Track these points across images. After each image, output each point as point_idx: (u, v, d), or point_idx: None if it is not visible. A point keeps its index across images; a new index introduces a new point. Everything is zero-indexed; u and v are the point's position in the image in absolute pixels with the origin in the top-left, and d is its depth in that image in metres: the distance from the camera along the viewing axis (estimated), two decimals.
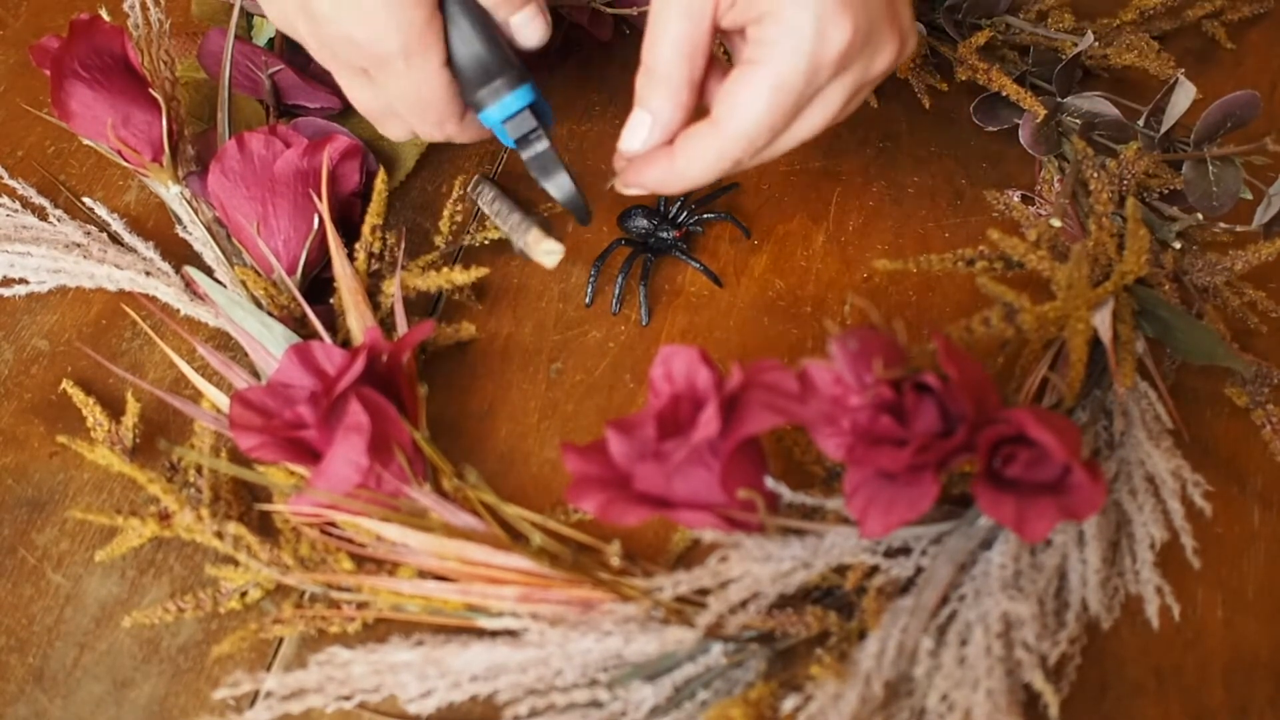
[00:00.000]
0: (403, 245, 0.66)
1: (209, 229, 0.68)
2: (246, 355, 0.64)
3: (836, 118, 0.58)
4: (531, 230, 0.65)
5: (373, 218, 0.65)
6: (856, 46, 0.55)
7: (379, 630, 0.57)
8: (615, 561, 0.56)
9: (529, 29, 0.60)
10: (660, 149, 0.59)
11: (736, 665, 0.53)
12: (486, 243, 0.68)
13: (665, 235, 0.69)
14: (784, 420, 0.51)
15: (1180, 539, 0.55)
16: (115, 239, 0.69)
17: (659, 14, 0.57)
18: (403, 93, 0.59)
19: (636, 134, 0.59)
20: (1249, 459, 0.62)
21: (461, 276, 0.64)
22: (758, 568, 0.53)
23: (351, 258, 0.65)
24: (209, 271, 0.67)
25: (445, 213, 0.67)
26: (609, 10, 0.76)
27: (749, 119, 0.56)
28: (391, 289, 0.64)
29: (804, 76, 0.55)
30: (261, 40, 0.75)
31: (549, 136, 0.60)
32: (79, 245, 0.67)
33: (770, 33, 0.55)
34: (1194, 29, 0.79)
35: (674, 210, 0.70)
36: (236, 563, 0.57)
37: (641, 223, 0.69)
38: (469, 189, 0.70)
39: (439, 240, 0.67)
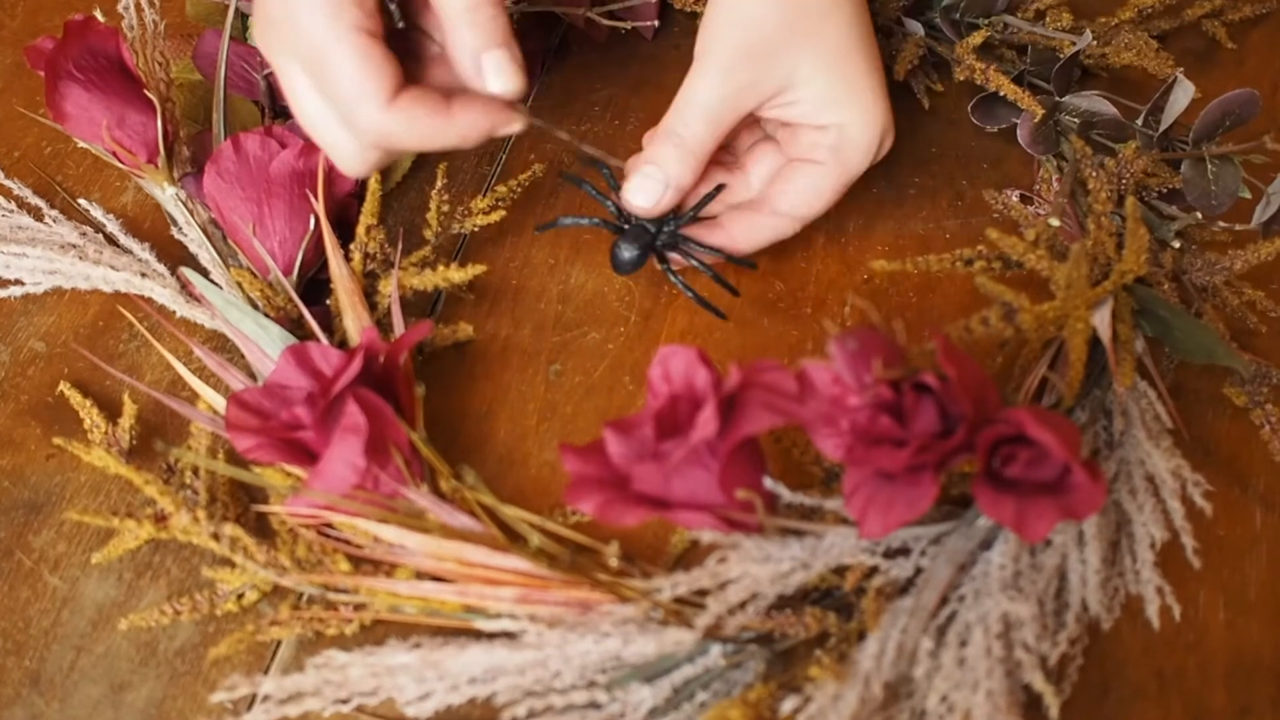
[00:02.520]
0: (400, 246, 0.66)
1: (205, 230, 0.68)
2: (243, 357, 0.64)
3: None
4: None
5: (367, 218, 0.65)
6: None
7: (376, 632, 0.57)
8: (614, 563, 0.56)
9: (500, 74, 0.54)
10: (704, 224, 0.64)
11: (735, 666, 0.54)
12: (476, 229, 0.68)
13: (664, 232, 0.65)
14: (783, 420, 0.51)
15: (1180, 539, 0.55)
16: (111, 240, 0.69)
17: (696, 80, 0.62)
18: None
19: (648, 194, 0.62)
20: (1250, 460, 0.62)
21: (459, 274, 0.64)
22: (756, 569, 0.53)
23: (348, 258, 0.65)
24: (205, 273, 0.67)
25: (432, 203, 0.67)
26: (605, 22, 0.76)
27: (810, 211, 0.64)
28: (388, 289, 0.64)
29: (858, 175, 0.64)
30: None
31: None
32: (75, 246, 0.67)
33: (839, 142, 0.62)
34: (1194, 29, 0.79)
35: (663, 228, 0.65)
36: (233, 565, 0.57)
37: (632, 254, 0.64)
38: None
39: (429, 234, 0.67)
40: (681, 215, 0.65)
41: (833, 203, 0.64)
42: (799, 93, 0.62)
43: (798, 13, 0.60)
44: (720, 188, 0.64)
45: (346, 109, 0.53)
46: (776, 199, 0.64)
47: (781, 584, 0.54)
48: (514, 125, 0.55)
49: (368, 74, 0.52)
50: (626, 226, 0.64)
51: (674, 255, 0.65)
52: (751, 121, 0.66)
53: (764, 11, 0.60)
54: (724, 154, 0.67)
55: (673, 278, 0.65)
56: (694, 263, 0.65)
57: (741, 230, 0.64)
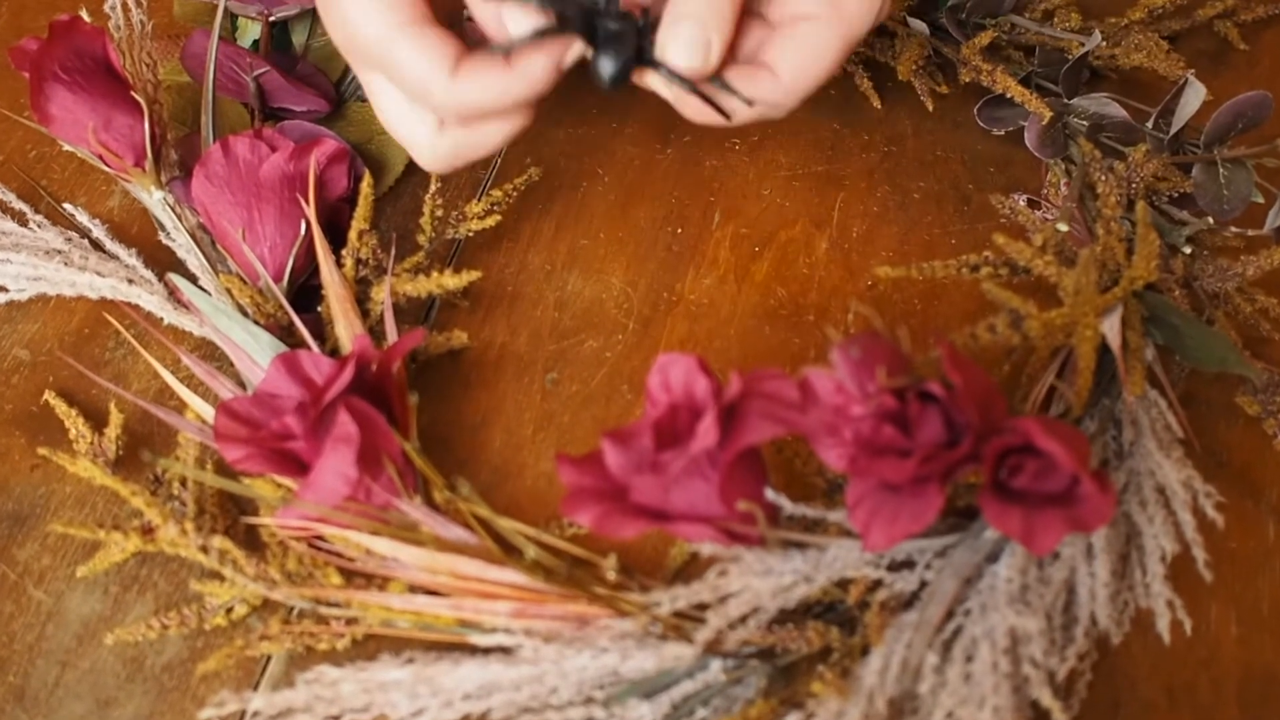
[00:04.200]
0: (393, 251, 0.66)
1: (193, 235, 0.68)
2: (232, 365, 0.64)
3: None
4: None
5: (359, 222, 0.65)
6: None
7: (368, 647, 0.57)
8: (611, 576, 0.57)
9: (522, 20, 0.54)
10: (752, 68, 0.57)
11: (736, 682, 0.54)
12: (471, 234, 0.68)
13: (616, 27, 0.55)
14: (784, 430, 0.52)
15: (1192, 552, 0.56)
16: (97, 246, 0.69)
17: None
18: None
19: (696, 48, 0.55)
20: (1263, 470, 0.62)
21: (453, 281, 0.64)
22: (758, 582, 0.53)
23: (339, 264, 0.65)
24: (193, 279, 0.67)
25: (426, 207, 0.67)
26: None
27: (811, 79, 0.57)
28: (381, 295, 0.64)
29: (861, 33, 0.58)
30: (246, 42, 0.75)
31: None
32: (60, 252, 0.68)
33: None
34: (1206, 29, 0.80)
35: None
36: (222, 578, 0.58)
37: (617, 65, 0.55)
38: None
39: (422, 239, 0.67)
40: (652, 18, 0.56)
41: (836, 68, 0.58)
42: None
43: None
44: None
45: (421, 94, 0.55)
46: (775, 64, 0.57)
47: (783, 598, 0.54)
48: (574, 48, 0.55)
49: (428, 55, 0.54)
50: (599, 35, 0.55)
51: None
52: None
53: None
54: None
55: (670, 80, 0.56)
56: (667, 75, 0.56)
57: (740, 84, 0.57)
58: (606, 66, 0.55)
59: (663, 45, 0.55)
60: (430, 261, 0.67)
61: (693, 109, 0.58)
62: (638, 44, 0.55)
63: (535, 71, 0.55)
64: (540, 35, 0.54)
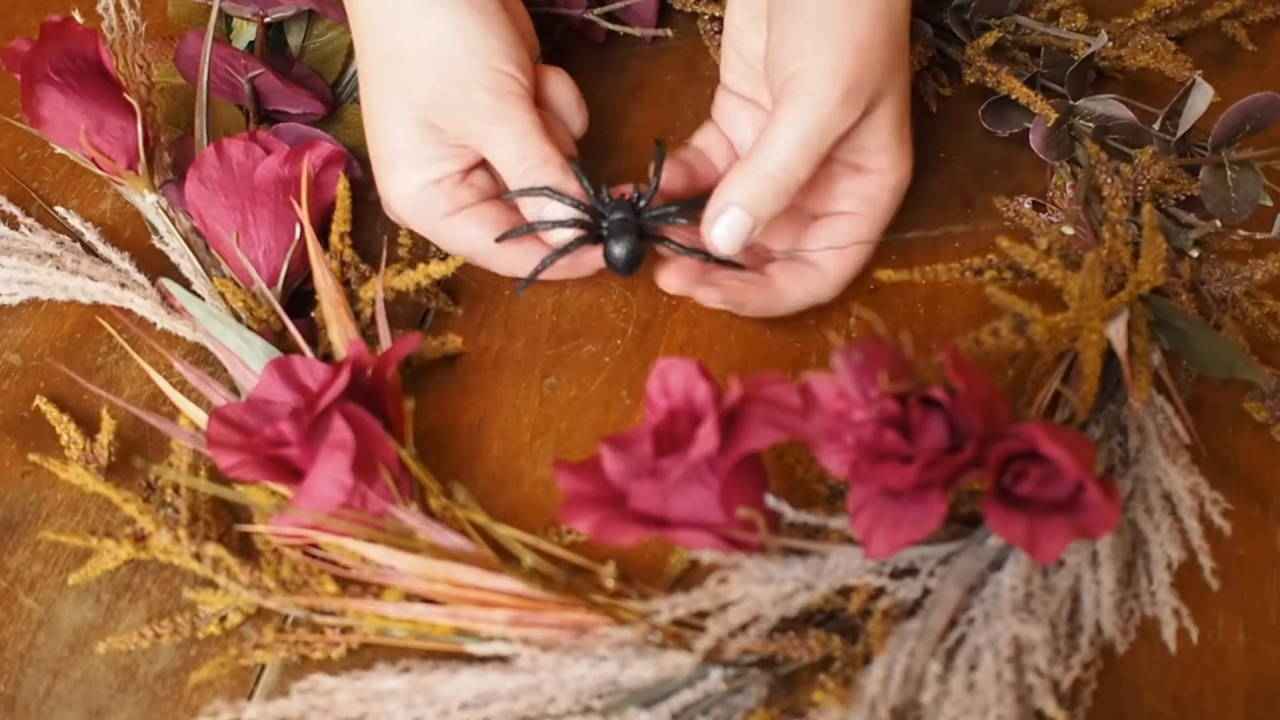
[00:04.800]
0: (384, 253, 0.66)
1: (186, 239, 0.68)
2: (225, 370, 0.64)
3: None
4: None
5: (339, 225, 0.65)
6: None
7: (364, 656, 0.57)
8: (610, 584, 0.57)
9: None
10: (757, 279, 0.64)
11: (736, 691, 0.54)
12: None
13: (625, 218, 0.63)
14: (785, 436, 0.52)
15: (1198, 560, 0.56)
16: (89, 249, 0.69)
17: (790, 110, 0.59)
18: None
19: (736, 237, 0.61)
20: (1271, 477, 0.62)
21: (439, 269, 0.64)
22: (758, 590, 0.53)
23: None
24: (186, 283, 0.67)
25: None
26: (605, 24, 0.77)
27: (853, 263, 0.65)
28: (369, 294, 0.64)
29: (885, 226, 0.65)
30: (241, 43, 0.75)
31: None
32: (52, 256, 0.68)
33: (878, 191, 0.64)
34: (1214, 30, 0.80)
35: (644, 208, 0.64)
36: (216, 586, 0.58)
37: (628, 247, 0.63)
38: None
39: (404, 238, 0.67)
40: (648, 193, 0.63)
41: (867, 259, 0.65)
42: (873, 137, 0.62)
43: (896, 44, 0.61)
44: (660, 142, 0.64)
45: (469, 256, 0.66)
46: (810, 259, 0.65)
47: (784, 606, 0.54)
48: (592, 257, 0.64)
49: (468, 238, 0.65)
50: (604, 228, 0.63)
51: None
52: None
53: (873, 38, 0.59)
54: None
55: (669, 245, 0.63)
56: (675, 248, 0.63)
57: (787, 282, 0.65)
58: (622, 248, 0.62)
59: (707, 223, 0.61)
60: (415, 261, 0.66)
61: (714, 297, 0.63)
62: (640, 224, 0.63)
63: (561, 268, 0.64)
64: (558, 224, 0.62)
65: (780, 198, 0.60)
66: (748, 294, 0.64)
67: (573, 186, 0.62)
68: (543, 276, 0.63)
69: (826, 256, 0.64)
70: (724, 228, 0.61)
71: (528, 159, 0.62)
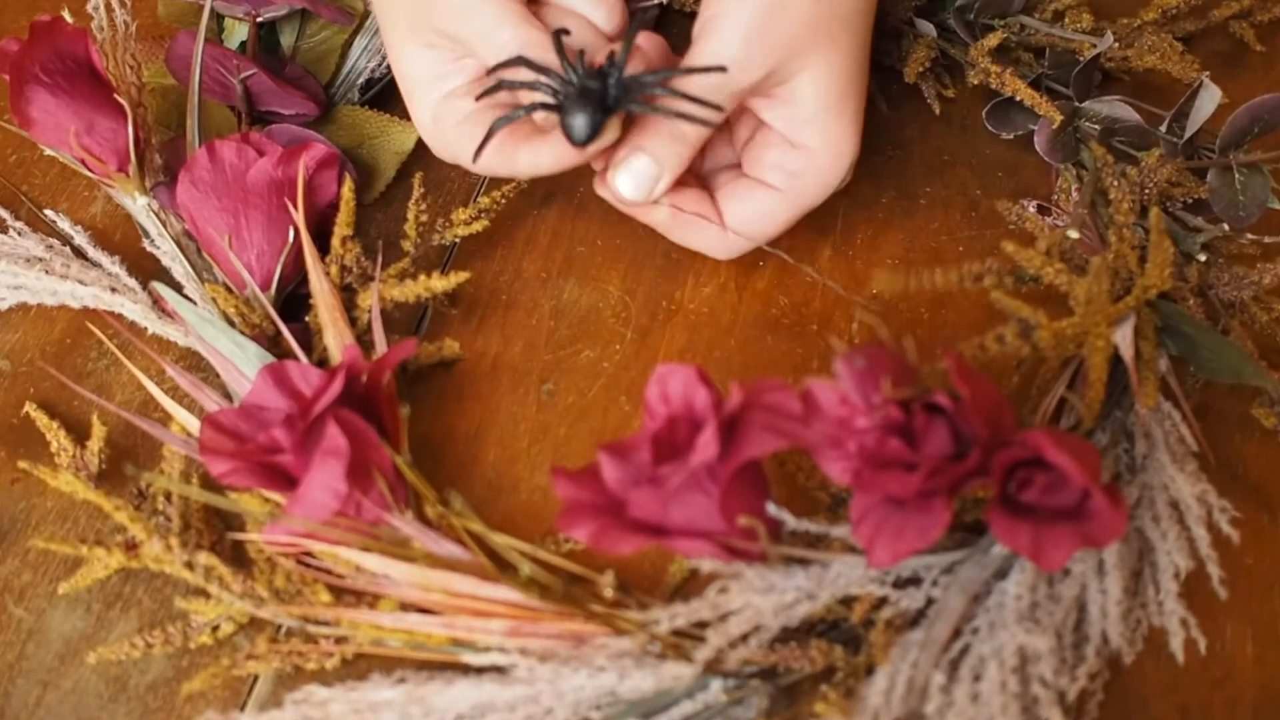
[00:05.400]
0: (380, 258, 0.66)
1: (178, 242, 0.68)
2: (218, 376, 0.64)
3: None
4: None
5: (342, 228, 0.65)
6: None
7: (359, 667, 0.57)
8: (609, 593, 0.57)
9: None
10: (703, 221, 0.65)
11: (737, 702, 0.54)
12: (459, 240, 0.69)
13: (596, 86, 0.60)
14: (787, 443, 0.52)
15: (1206, 568, 0.56)
16: (79, 253, 0.69)
17: (701, 61, 0.60)
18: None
19: (640, 185, 0.62)
20: None
21: (441, 283, 0.64)
22: (759, 599, 0.53)
23: (326, 271, 0.65)
24: (178, 288, 0.67)
25: (410, 213, 0.68)
26: None
27: (755, 236, 0.66)
28: (367, 302, 0.64)
29: (811, 209, 0.66)
30: (233, 43, 0.75)
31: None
32: (41, 260, 0.68)
33: (802, 169, 0.64)
34: (1221, 30, 0.80)
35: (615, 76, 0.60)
36: (208, 595, 0.58)
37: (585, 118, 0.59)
38: None
39: (407, 245, 0.67)
40: (616, 63, 0.60)
41: (781, 233, 0.66)
42: (795, 106, 0.63)
43: (826, 12, 0.61)
44: (635, 11, 0.64)
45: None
46: (731, 219, 0.66)
47: (785, 615, 0.54)
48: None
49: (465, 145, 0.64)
50: (563, 98, 0.60)
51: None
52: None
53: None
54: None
55: (645, 109, 0.60)
56: (656, 109, 0.60)
57: (688, 229, 0.66)
58: (579, 119, 0.59)
59: (614, 170, 0.62)
60: (416, 268, 0.67)
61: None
62: (605, 93, 0.60)
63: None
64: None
65: (683, 151, 0.62)
66: (678, 227, 0.66)
67: (551, 60, 0.61)
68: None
69: (733, 215, 0.65)
70: (625, 172, 0.62)
71: (508, 46, 0.61)
